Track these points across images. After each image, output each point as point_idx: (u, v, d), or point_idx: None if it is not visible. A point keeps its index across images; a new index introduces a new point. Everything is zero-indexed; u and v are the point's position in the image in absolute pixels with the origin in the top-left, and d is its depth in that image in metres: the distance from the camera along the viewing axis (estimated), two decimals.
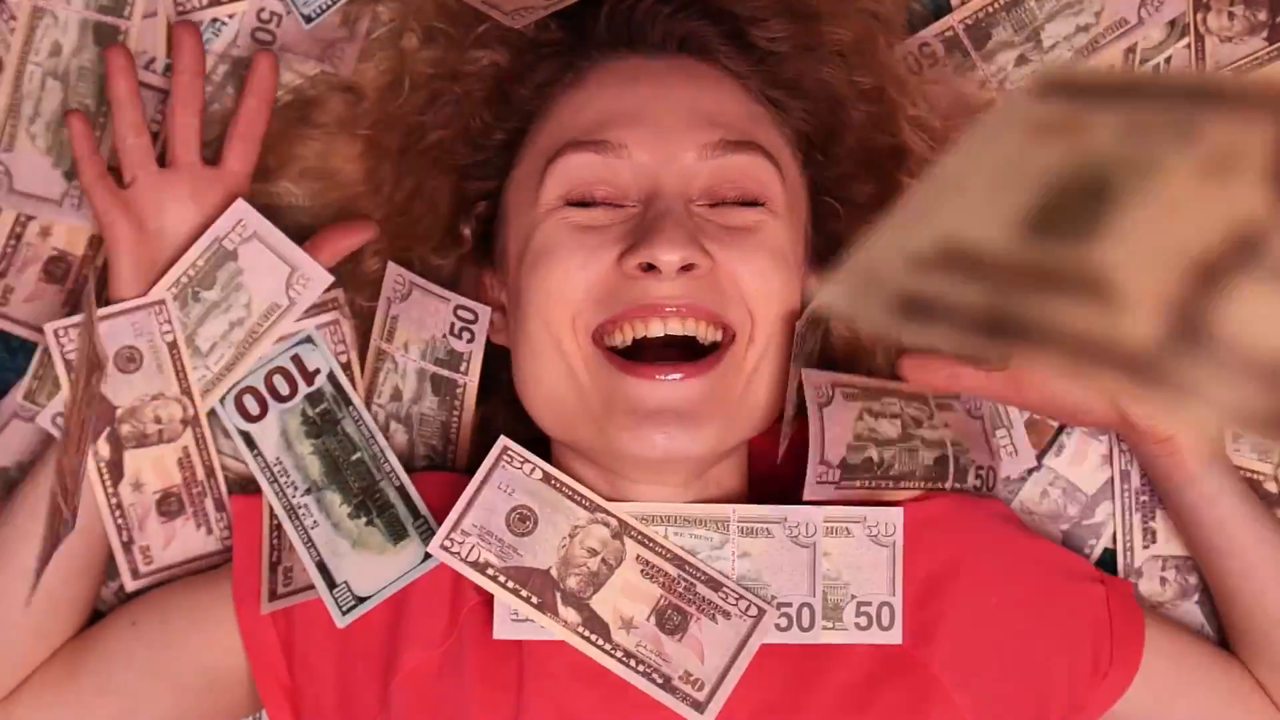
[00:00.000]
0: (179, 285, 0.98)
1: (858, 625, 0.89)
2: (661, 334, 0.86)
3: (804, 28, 0.97)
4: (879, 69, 0.99)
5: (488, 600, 0.89)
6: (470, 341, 0.97)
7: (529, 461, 0.88)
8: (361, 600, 0.91)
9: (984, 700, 0.89)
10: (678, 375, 0.85)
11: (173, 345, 0.96)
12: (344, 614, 0.91)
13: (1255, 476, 1.03)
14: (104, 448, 0.96)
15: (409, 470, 0.96)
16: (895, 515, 0.90)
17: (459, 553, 0.87)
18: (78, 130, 0.95)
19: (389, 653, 0.91)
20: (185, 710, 0.98)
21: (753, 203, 0.89)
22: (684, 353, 0.86)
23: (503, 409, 1.00)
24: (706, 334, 0.86)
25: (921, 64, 1.04)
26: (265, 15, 1.05)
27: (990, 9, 1.04)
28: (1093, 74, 0.42)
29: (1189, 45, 1.04)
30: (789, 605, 0.88)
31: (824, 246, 0.97)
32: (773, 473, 0.99)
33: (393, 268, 0.99)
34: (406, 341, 0.99)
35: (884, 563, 0.89)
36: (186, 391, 0.97)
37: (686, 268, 0.84)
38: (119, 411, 0.96)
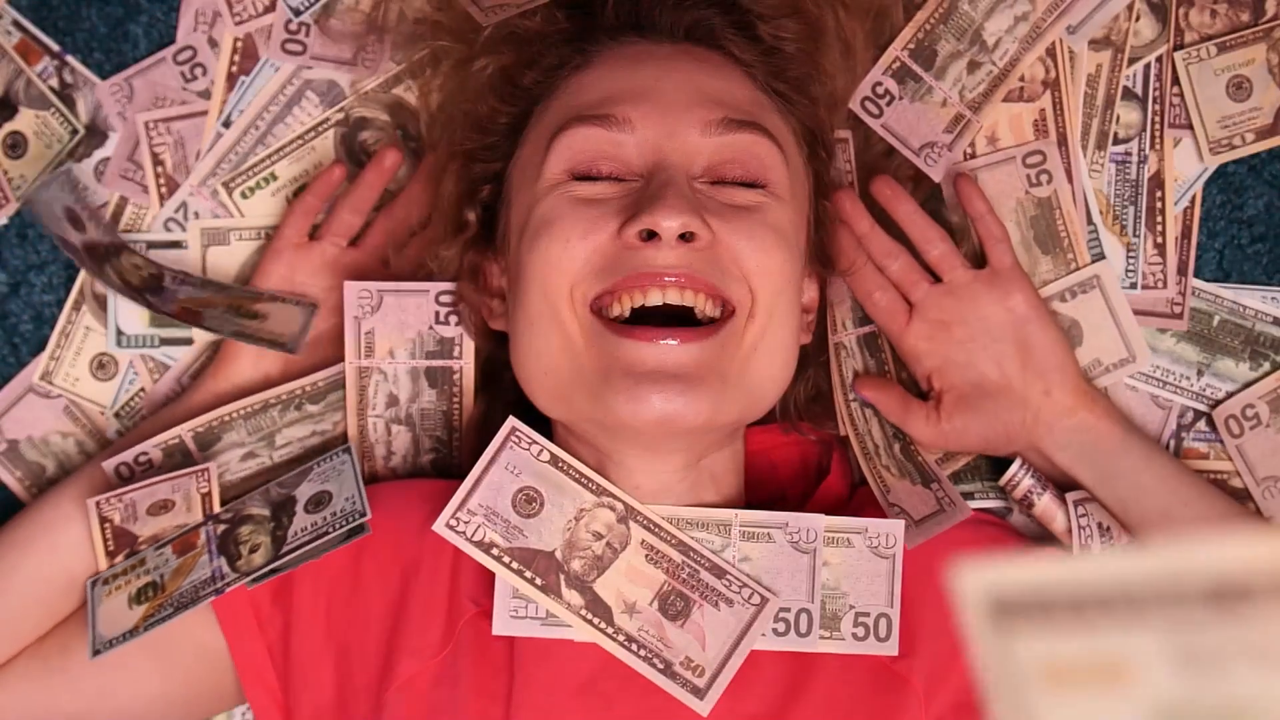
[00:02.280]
0: (301, 388, 1.01)
1: (855, 636, 0.89)
2: (660, 303, 0.86)
3: (811, 32, 0.98)
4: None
5: (486, 612, 0.89)
6: (459, 323, 0.99)
7: (537, 443, 0.88)
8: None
9: (960, 712, 0.90)
10: (675, 340, 0.85)
11: (206, 495, 0.97)
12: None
13: (1220, 476, 1.05)
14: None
15: (414, 468, 0.98)
16: (896, 527, 0.90)
17: (464, 532, 0.86)
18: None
19: (385, 663, 0.91)
20: (171, 693, 0.97)
21: (755, 184, 0.90)
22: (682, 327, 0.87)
23: (502, 408, 1.00)
24: (705, 307, 0.86)
25: (881, 106, 1.03)
26: (293, 26, 1.06)
27: (928, 27, 1.03)
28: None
29: (1168, 39, 1.05)
30: (787, 610, 0.88)
31: (826, 246, 0.99)
32: (769, 477, 1.01)
33: (352, 286, 0.99)
34: (391, 349, 0.99)
35: (884, 574, 0.89)
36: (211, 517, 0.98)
37: (686, 237, 0.85)
38: (139, 540, 0.97)
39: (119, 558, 0.95)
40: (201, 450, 0.99)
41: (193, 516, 0.96)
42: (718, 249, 0.87)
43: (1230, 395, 1.05)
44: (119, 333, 1.08)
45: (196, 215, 1.08)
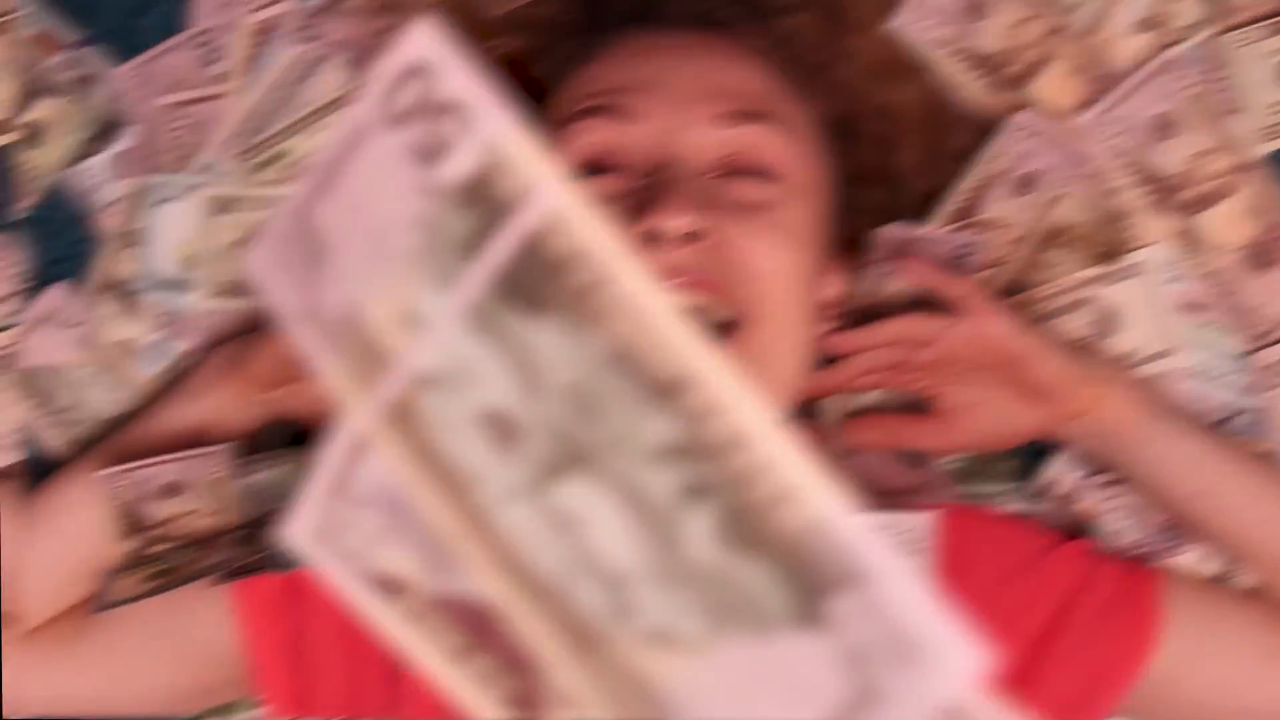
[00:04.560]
0: None
1: None
2: None
3: (829, 25, 0.96)
4: (889, 101, 0.98)
5: None
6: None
7: None
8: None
9: None
10: None
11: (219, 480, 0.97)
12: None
13: None
14: None
15: None
16: (925, 521, 0.87)
17: None
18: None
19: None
20: (178, 686, 0.97)
21: (766, 177, 0.88)
22: None
23: None
24: (715, 309, 0.84)
25: None
26: (309, 11, 1.04)
27: None
28: None
29: (1215, 20, 1.00)
30: None
31: (846, 239, 0.95)
32: None
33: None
34: None
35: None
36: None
37: (691, 236, 0.83)
38: (150, 525, 0.97)
39: (132, 540, 0.96)
40: None
41: (204, 503, 0.96)
42: (725, 248, 0.84)
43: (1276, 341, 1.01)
44: None
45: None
